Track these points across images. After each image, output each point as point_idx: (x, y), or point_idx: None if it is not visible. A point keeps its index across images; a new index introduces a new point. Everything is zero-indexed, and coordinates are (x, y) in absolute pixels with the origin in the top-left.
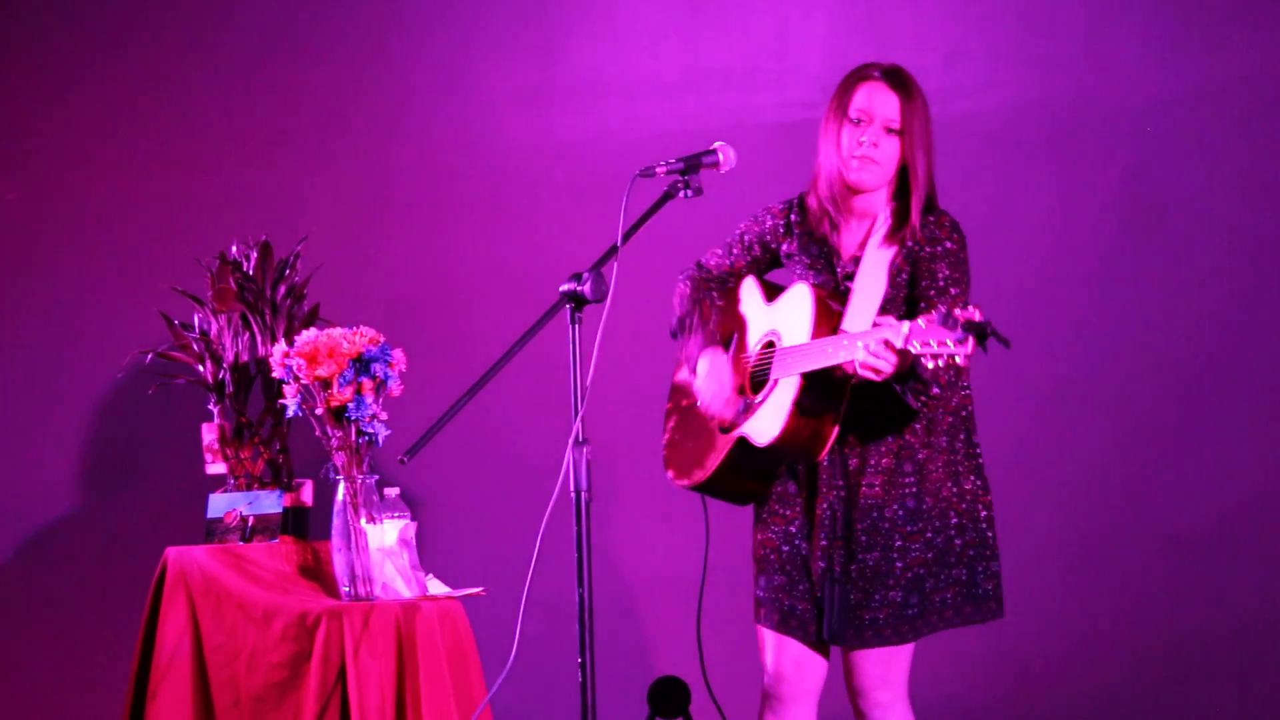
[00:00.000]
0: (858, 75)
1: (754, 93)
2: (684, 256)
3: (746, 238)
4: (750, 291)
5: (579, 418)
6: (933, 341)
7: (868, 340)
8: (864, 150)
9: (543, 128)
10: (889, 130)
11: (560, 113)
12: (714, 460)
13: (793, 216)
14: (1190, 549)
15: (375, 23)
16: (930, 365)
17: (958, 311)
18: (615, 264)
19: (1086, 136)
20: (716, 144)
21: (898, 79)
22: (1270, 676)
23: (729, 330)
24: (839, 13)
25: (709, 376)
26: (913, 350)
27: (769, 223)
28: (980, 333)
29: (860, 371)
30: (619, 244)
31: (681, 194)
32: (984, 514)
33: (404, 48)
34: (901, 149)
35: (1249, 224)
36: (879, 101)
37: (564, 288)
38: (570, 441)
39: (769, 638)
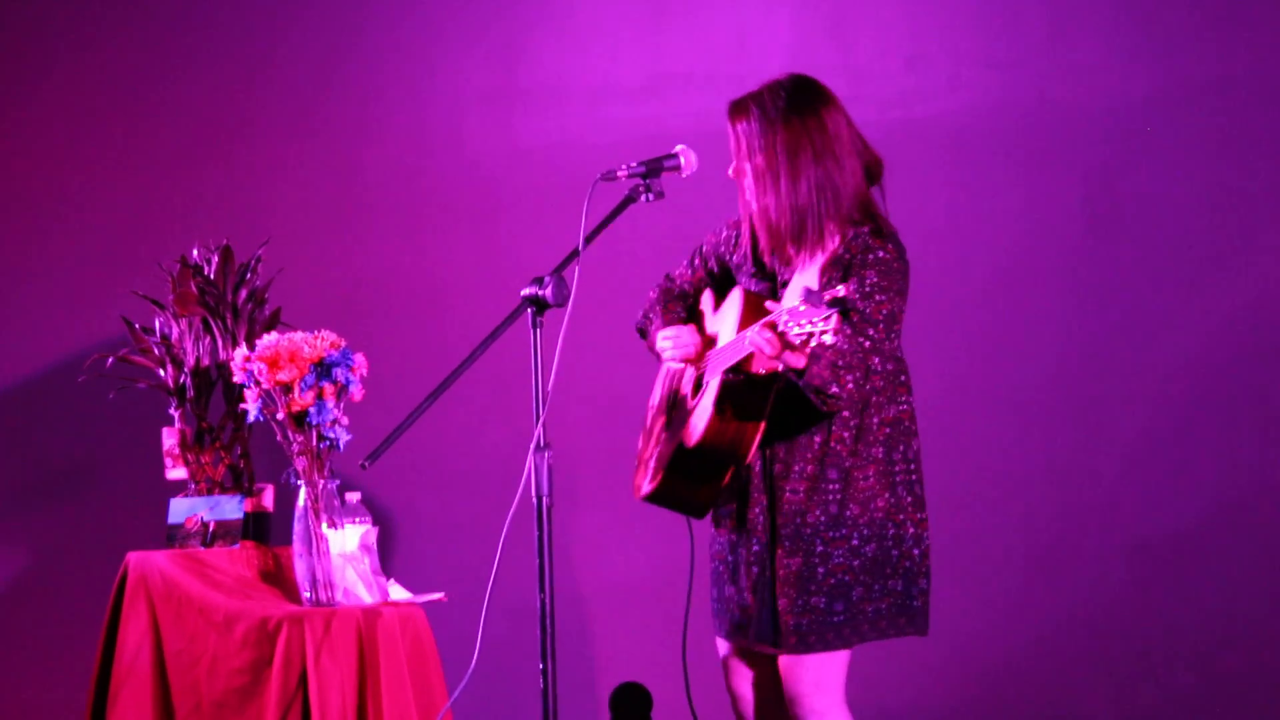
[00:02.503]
0: None
1: (715, 96)
2: (646, 260)
3: (704, 249)
4: (705, 304)
5: (540, 422)
6: (804, 322)
7: (754, 329)
8: (740, 182)
9: (504, 131)
10: (744, 160)
11: (522, 116)
12: (660, 469)
13: (744, 227)
14: (1155, 554)
15: (338, 25)
16: (797, 339)
17: (824, 291)
18: (577, 268)
19: (1048, 139)
20: (678, 147)
21: (734, 107)
22: (1233, 682)
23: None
24: (800, 16)
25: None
26: (789, 332)
27: (724, 234)
28: (844, 308)
29: (757, 356)
30: (580, 248)
31: (643, 197)
32: (912, 531)
33: (366, 50)
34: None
35: (1212, 227)
36: (729, 137)
37: (525, 292)
38: (532, 446)
39: (724, 646)
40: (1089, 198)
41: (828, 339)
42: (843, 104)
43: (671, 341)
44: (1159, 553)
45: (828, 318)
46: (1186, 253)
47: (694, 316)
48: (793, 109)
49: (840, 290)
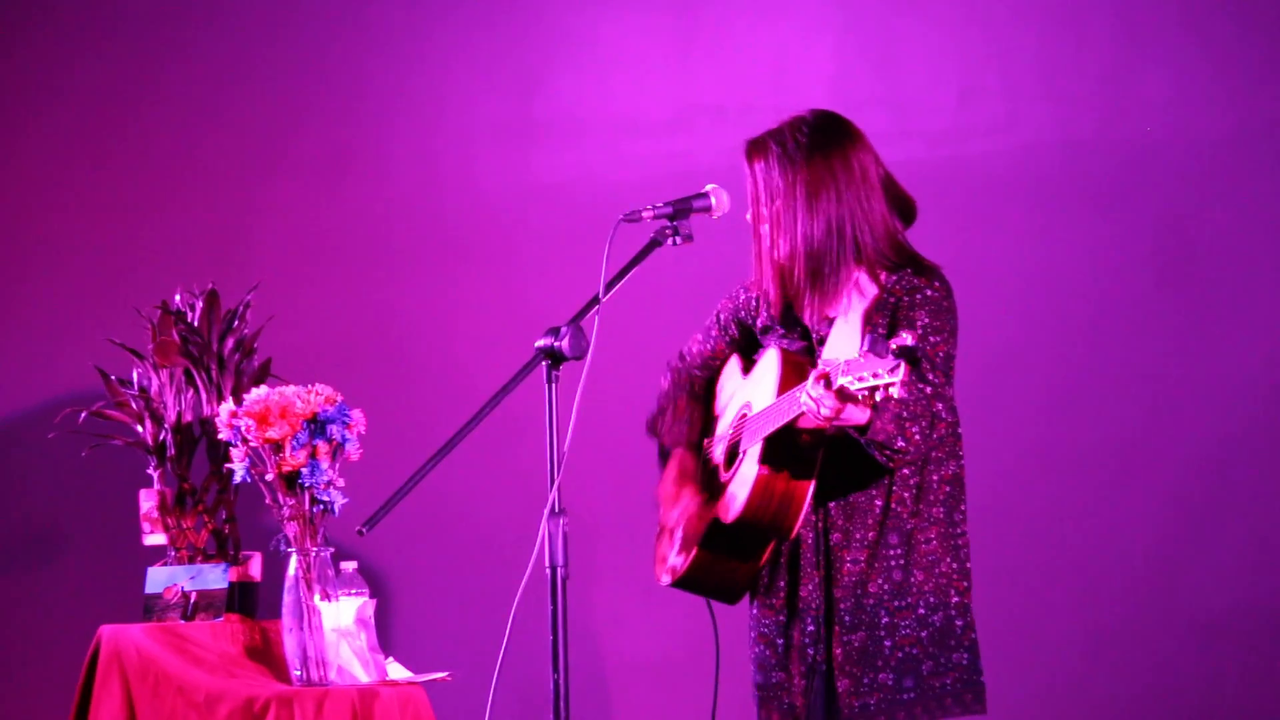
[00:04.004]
0: None
1: (750, 130)
2: (672, 310)
3: (722, 317)
4: (731, 369)
5: (555, 486)
6: (866, 374)
7: (806, 385)
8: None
9: (520, 167)
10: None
11: (539, 151)
12: (690, 549)
13: (758, 278)
14: (1227, 635)
15: (337, 50)
16: (860, 394)
17: (889, 339)
18: (596, 318)
19: (1114, 181)
20: (709, 186)
21: (753, 146)
22: None
23: (710, 414)
24: (844, 44)
25: (673, 485)
26: (850, 386)
27: (742, 297)
28: (912, 358)
29: (808, 416)
30: (601, 296)
31: (670, 241)
32: (964, 600)
33: (369, 79)
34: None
35: None
36: (746, 178)
37: (540, 343)
38: (546, 512)
39: None
40: (1159, 245)
41: (895, 392)
42: (870, 141)
43: (676, 500)
44: (1232, 633)
45: (894, 368)
46: (1266, 306)
47: (711, 391)
48: (816, 147)
49: (908, 339)
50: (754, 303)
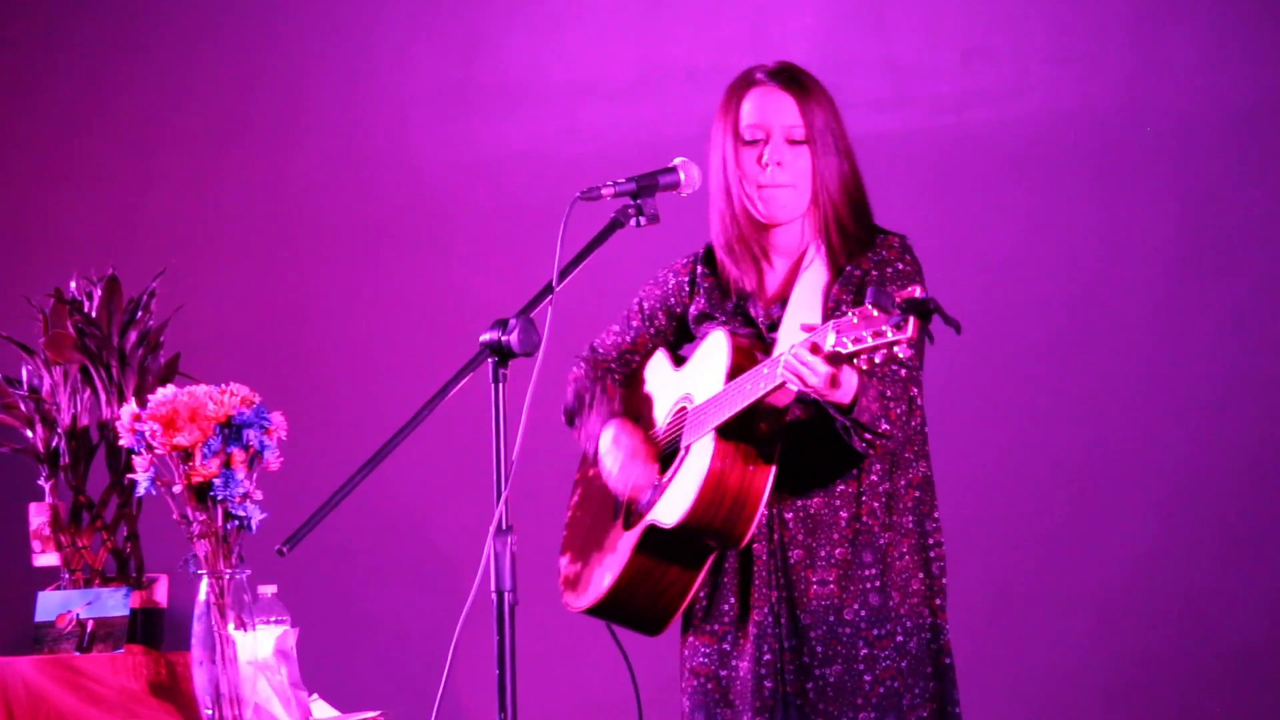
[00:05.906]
0: (741, 83)
1: None
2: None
3: (646, 305)
4: (658, 363)
5: (503, 499)
6: (867, 334)
7: (789, 351)
8: (769, 175)
9: (461, 138)
10: (792, 142)
11: (484, 119)
12: (617, 566)
13: (699, 269)
14: (1257, 666)
15: (249, 5)
16: (855, 358)
17: (893, 290)
18: (550, 309)
19: (1137, 153)
20: (677, 160)
21: (789, 76)
22: None
23: (636, 409)
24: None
25: (615, 444)
26: (844, 349)
27: (671, 282)
28: (922, 311)
29: (788, 384)
30: (554, 284)
31: (633, 221)
32: (938, 619)
33: (290, 35)
34: (812, 159)
35: None
36: (772, 109)
37: (485, 338)
38: (491, 530)
39: None
40: (1187, 225)
41: (900, 353)
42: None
43: (621, 453)
44: (1263, 666)
45: (900, 324)
46: None
47: (631, 388)
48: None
49: (916, 290)
50: (686, 287)
